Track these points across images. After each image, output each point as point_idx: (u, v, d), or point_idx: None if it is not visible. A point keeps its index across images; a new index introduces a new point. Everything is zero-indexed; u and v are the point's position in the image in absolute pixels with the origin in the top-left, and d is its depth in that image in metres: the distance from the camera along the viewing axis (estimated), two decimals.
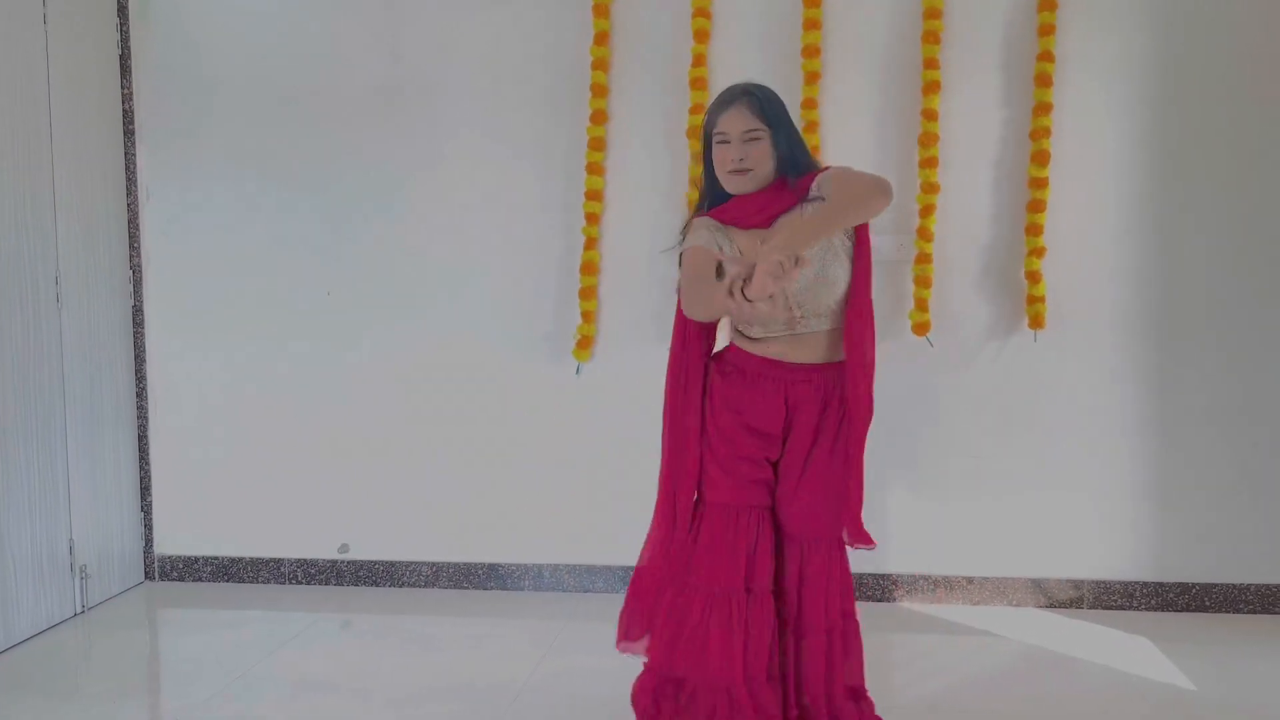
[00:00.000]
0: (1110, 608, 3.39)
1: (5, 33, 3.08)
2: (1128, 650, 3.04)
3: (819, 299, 2.16)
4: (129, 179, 3.67)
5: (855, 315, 2.19)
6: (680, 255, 2.22)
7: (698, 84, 3.38)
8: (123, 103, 3.65)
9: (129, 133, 3.66)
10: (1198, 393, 3.33)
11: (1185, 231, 3.31)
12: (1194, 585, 3.34)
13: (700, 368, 2.27)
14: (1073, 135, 3.31)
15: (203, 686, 2.83)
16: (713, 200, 2.27)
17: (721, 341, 2.35)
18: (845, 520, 2.28)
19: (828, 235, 2.08)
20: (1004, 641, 3.14)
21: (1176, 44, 3.27)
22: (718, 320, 2.27)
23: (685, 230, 2.27)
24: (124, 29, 3.62)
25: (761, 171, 2.17)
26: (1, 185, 3.07)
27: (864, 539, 2.30)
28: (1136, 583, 3.37)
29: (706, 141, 2.23)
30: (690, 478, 2.25)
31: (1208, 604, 3.34)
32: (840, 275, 2.17)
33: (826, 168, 2.22)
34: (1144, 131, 3.30)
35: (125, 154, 3.66)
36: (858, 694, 2.37)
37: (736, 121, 2.15)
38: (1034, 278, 3.31)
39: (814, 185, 2.17)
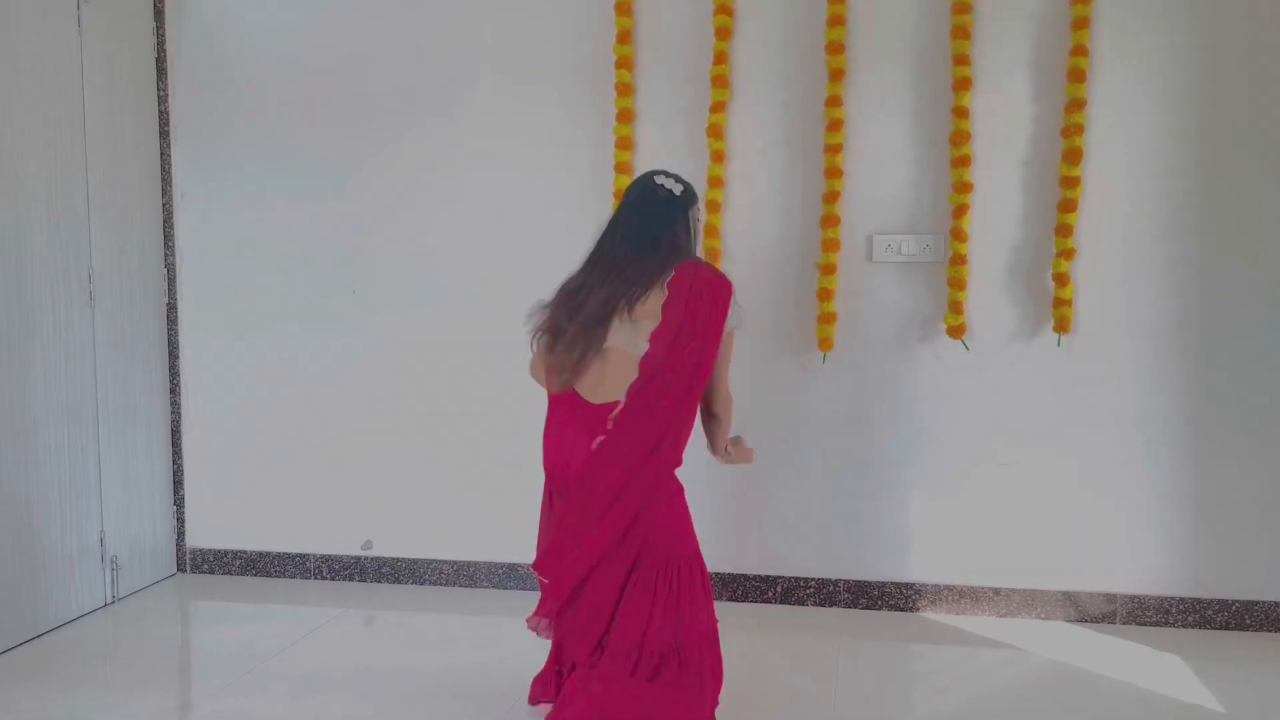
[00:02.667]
0: (1145, 624, 3.26)
1: (40, 38, 3.16)
2: (1157, 668, 2.92)
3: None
4: (164, 179, 3.75)
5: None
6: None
7: (719, 81, 3.33)
8: (159, 104, 3.73)
9: (164, 133, 3.74)
10: (1238, 400, 3.19)
11: (1226, 233, 3.17)
12: (1234, 602, 3.20)
13: None
14: (1106, 132, 3.20)
15: (216, 678, 2.88)
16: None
17: None
18: None
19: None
20: (1028, 656, 3.04)
21: (1217, 36, 3.13)
22: None
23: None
24: (160, 32, 3.70)
25: None
26: (35, 185, 3.15)
27: None
28: (1173, 598, 3.24)
29: (697, 215, 2.55)
30: None
31: (1248, 622, 3.19)
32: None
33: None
34: (1182, 128, 3.17)
35: (161, 154, 3.74)
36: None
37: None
38: (1062, 280, 3.19)
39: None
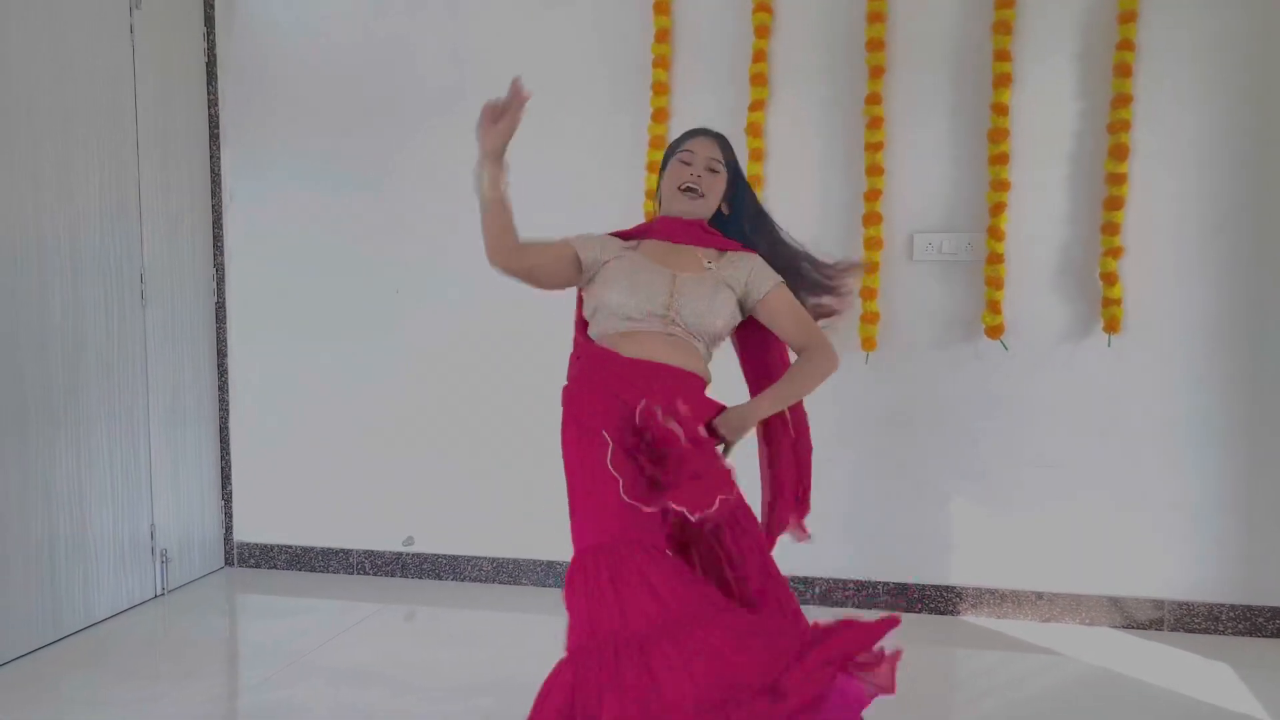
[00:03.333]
0: (1193, 630, 3.18)
1: (94, 44, 3.25)
2: (1205, 676, 2.85)
3: (698, 317, 2.15)
4: (214, 181, 3.84)
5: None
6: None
7: (758, 80, 3.32)
8: (209, 108, 3.81)
9: (214, 136, 3.82)
10: None
11: (1278, 231, 3.08)
12: None
13: None
14: (1154, 128, 3.13)
15: (259, 669, 2.94)
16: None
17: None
18: None
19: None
20: (1071, 662, 2.99)
21: (1266, 26, 3.05)
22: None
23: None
24: (210, 37, 3.79)
25: (709, 203, 2.23)
26: (89, 189, 3.25)
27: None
28: (1223, 605, 3.16)
29: (664, 163, 2.28)
30: None
31: None
32: (722, 312, 2.17)
33: (750, 250, 2.26)
34: (1233, 123, 3.09)
35: (211, 157, 3.82)
36: None
37: (705, 148, 2.23)
38: (1110, 279, 3.13)
39: (744, 261, 2.21)
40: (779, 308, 2.19)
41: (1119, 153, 3.11)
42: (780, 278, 2.21)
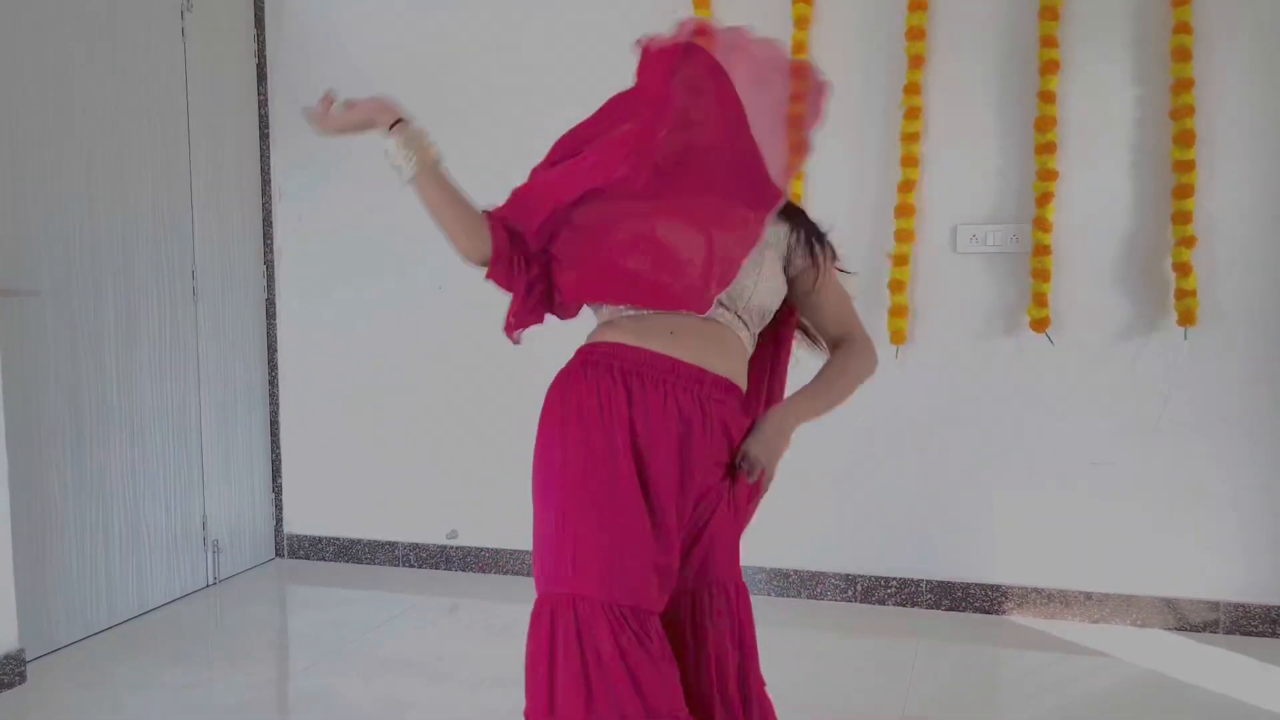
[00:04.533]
0: (1250, 634, 3.07)
1: (146, 47, 3.34)
2: (1260, 682, 2.75)
3: (741, 300, 1.70)
4: (264, 179, 3.92)
5: None
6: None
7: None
8: (259, 108, 3.89)
9: (264, 135, 3.90)
10: None
11: None
12: None
13: None
14: (1217, 114, 3.02)
15: (302, 657, 3.00)
16: None
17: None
18: None
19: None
20: (1120, 665, 2.91)
21: None
22: None
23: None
24: (261, 39, 3.86)
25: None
26: (143, 188, 3.34)
27: None
28: None
29: None
30: None
31: None
32: (769, 293, 1.72)
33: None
34: None
35: (261, 155, 3.90)
36: None
37: None
38: (1183, 270, 3.02)
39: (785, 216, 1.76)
40: (826, 282, 1.76)
41: (1185, 139, 3.00)
42: (831, 244, 1.78)
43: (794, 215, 1.79)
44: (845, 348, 1.81)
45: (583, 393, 1.67)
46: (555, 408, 1.74)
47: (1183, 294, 3.04)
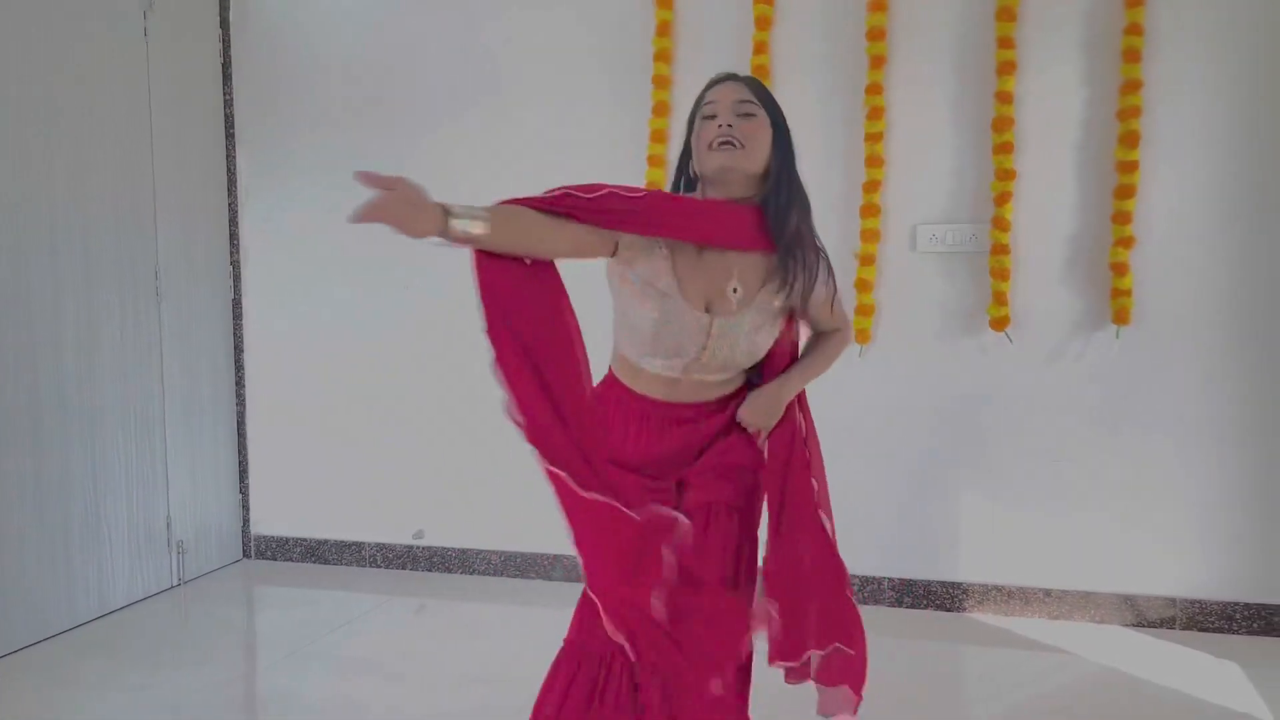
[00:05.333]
0: (1206, 630, 3.10)
1: (108, 47, 3.33)
2: (1212, 676, 2.78)
3: (733, 359, 1.83)
4: (230, 180, 3.91)
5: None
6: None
7: (759, 72, 3.30)
8: (224, 108, 3.88)
9: (230, 136, 3.89)
10: None
11: None
12: None
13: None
14: (1164, 115, 3.05)
15: (258, 660, 2.99)
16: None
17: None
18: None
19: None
20: (1079, 661, 2.93)
21: (1278, 10, 2.96)
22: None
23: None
24: (226, 39, 3.86)
25: (751, 154, 1.74)
26: (104, 187, 3.33)
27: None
28: (1236, 604, 3.07)
29: (690, 126, 1.85)
30: None
31: None
32: (764, 345, 1.85)
33: (823, 259, 1.87)
34: (1246, 110, 3.01)
35: (227, 156, 3.90)
36: None
37: (729, 92, 1.78)
38: (1120, 269, 3.06)
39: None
40: (819, 301, 1.89)
41: (1129, 140, 3.04)
42: (829, 276, 1.89)
43: (790, 251, 1.81)
44: (831, 333, 2.00)
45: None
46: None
47: (1118, 293, 3.07)
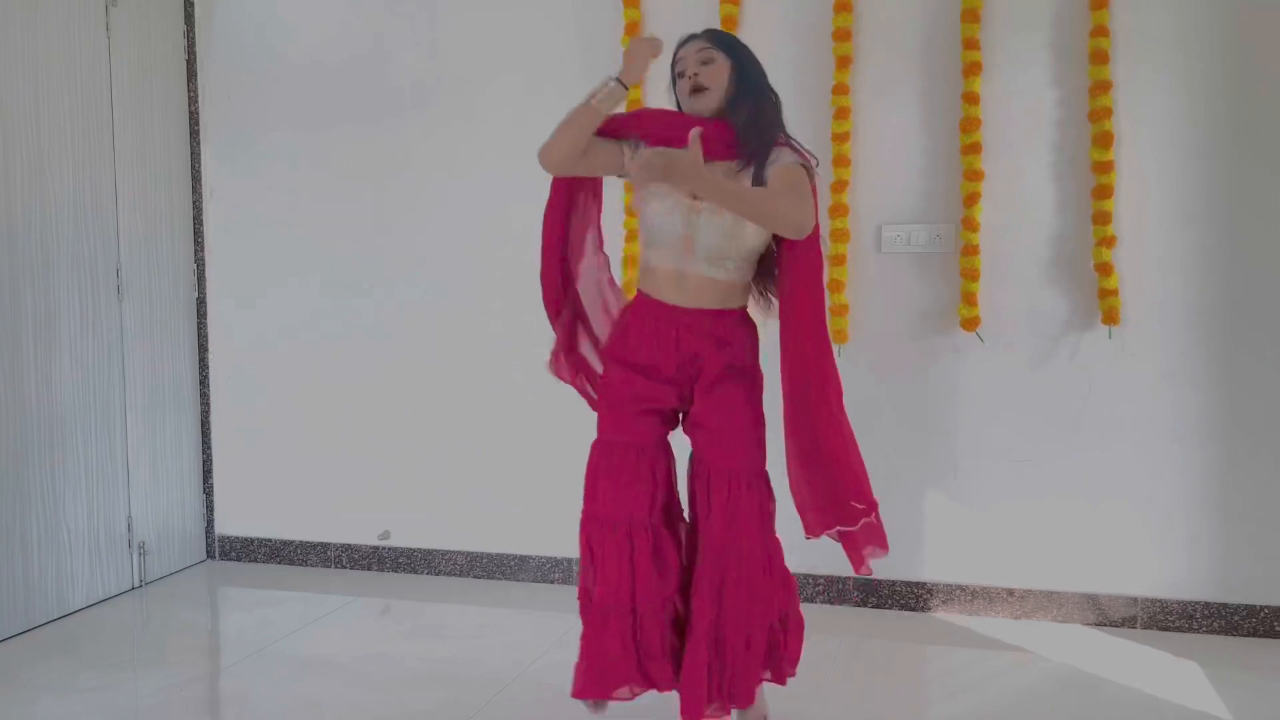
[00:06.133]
0: (1167, 629, 3.12)
1: (68, 40, 3.29)
2: (1171, 675, 2.79)
3: (722, 245, 2.19)
4: (194, 176, 3.87)
5: (791, 316, 2.25)
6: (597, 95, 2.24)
7: None
8: (189, 104, 3.84)
9: (195, 133, 3.86)
10: (1273, 396, 3.03)
11: (1259, 218, 3.02)
12: (1262, 608, 3.04)
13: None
14: (1130, 116, 3.07)
15: (217, 661, 2.96)
16: None
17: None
18: (850, 495, 2.30)
19: (723, 207, 2.10)
20: (1040, 660, 2.93)
21: (1241, 11, 2.98)
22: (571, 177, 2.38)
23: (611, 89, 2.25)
24: (190, 35, 3.82)
25: (717, 91, 2.19)
26: (63, 183, 3.29)
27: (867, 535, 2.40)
28: (1197, 603, 3.09)
29: (673, 82, 2.30)
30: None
31: (1278, 629, 3.03)
32: (748, 231, 2.19)
33: (791, 150, 2.22)
34: (1209, 110, 3.03)
35: (191, 153, 3.86)
36: (770, 643, 2.34)
37: (691, 50, 2.24)
38: (1105, 270, 3.06)
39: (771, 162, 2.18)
40: (773, 173, 2.16)
41: (1104, 140, 3.04)
42: (794, 158, 2.18)
43: (774, 156, 2.19)
44: (781, 191, 2.16)
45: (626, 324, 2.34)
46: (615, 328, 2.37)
47: (1105, 293, 3.08)
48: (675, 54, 2.29)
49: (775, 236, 2.25)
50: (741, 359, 2.27)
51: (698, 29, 3.28)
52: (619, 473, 2.26)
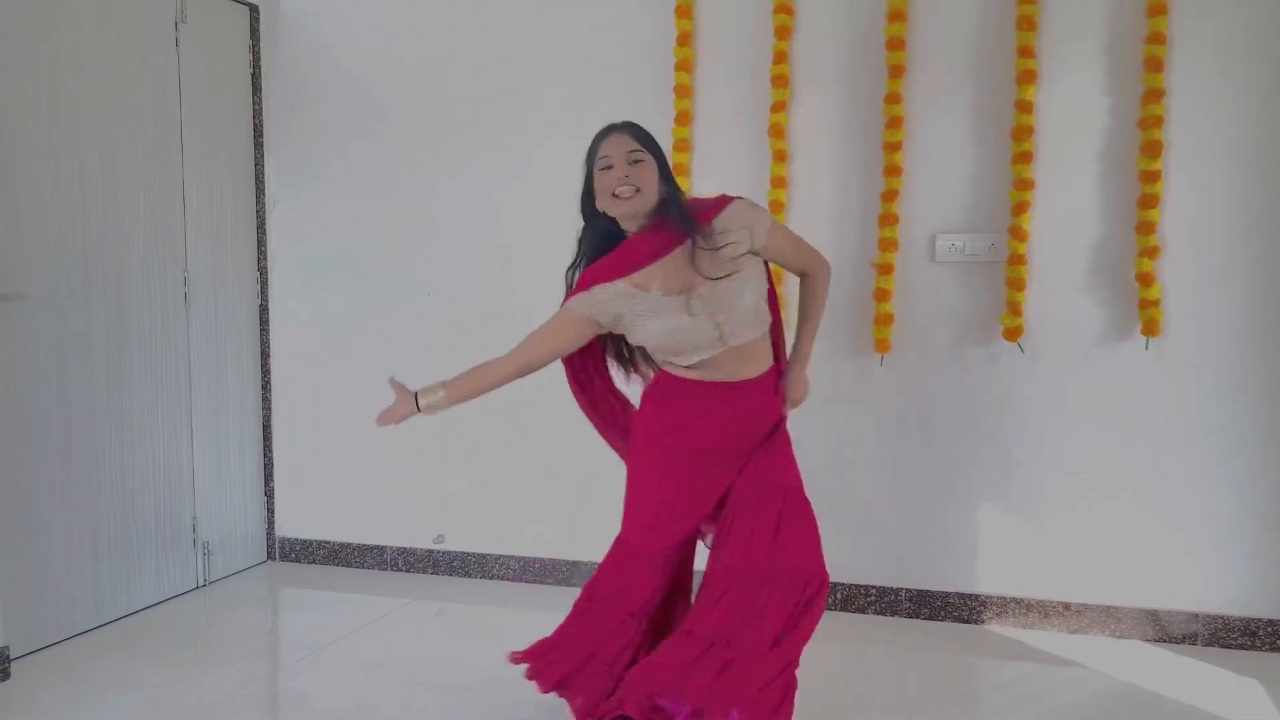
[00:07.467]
0: (1229, 646, 3.05)
1: (140, 58, 3.41)
2: (1230, 694, 2.73)
3: (742, 301, 2.23)
4: (258, 187, 3.98)
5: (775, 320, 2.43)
6: (568, 298, 2.35)
7: (779, 81, 3.31)
8: (254, 117, 3.95)
9: (258, 144, 3.96)
10: None
11: None
12: None
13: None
14: (1187, 124, 3.02)
15: (273, 660, 3.04)
16: (597, 247, 2.34)
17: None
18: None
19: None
20: (1097, 676, 2.89)
21: None
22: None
23: (575, 271, 2.39)
24: (256, 49, 3.93)
25: (649, 195, 2.21)
26: (134, 196, 3.40)
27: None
28: (1260, 620, 3.02)
29: (587, 179, 2.31)
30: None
31: None
32: (758, 297, 2.27)
33: (725, 199, 2.28)
34: (1267, 119, 2.96)
35: (255, 164, 3.97)
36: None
37: (619, 145, 2.23)
38: (1146, 280, 3.03)
39: (721, 219, 2.24)
40: (777, 243, 2.32)
41: (1152, 149, 3.00)
42: (768, 213, 2.31)
43: (734, 209, 2.27)
44: (811, 273, 2.41)
45: (665, 409, 2.37)
46: (650, 417, 2.40)
47: (1146, 304, 3.03)
48: (595, 145, 2.28)
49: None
50: (781, 412, 2.42)
51: (753, 40, 3.36)
52: (634, 573, 2.41)
